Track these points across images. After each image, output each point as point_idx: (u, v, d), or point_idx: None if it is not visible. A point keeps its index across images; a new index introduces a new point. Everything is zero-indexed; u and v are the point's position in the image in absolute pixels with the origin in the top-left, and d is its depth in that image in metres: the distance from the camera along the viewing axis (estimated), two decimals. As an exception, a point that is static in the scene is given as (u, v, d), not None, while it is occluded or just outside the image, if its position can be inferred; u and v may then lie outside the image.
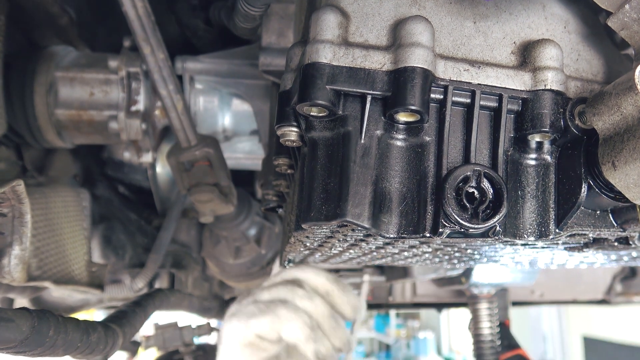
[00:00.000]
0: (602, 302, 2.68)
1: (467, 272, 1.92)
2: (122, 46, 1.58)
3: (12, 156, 1.55)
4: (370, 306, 2.77)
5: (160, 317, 1.92)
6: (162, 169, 1.92)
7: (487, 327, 2.04)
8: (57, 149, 1.72)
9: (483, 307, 2.04)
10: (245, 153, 1.81)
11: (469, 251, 1.03)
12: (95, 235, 1.85)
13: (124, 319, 1.15)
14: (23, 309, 0.79)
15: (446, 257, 1.13)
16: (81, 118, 1.54)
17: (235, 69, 1.63)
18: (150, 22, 1.19)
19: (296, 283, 1.17)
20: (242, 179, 2.06)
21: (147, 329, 1.84)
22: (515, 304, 2.54)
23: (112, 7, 1.60)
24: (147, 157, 1.72)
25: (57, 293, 1.71)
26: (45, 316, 0.82)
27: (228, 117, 1.74)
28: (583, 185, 0.68)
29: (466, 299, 2.12)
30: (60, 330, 0.83)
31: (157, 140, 1.74)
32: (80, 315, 1.95)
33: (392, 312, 9.63)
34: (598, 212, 0.72)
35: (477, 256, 1.13)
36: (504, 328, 2.22)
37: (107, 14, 1.80)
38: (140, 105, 1.55)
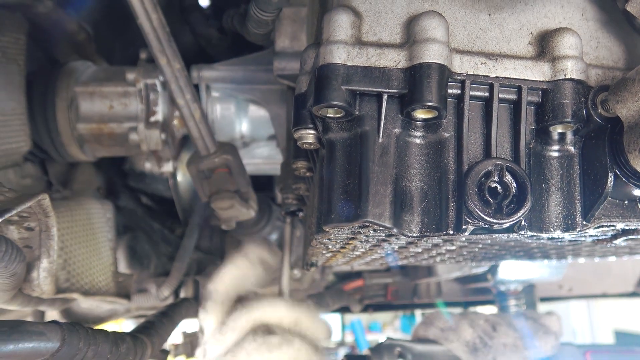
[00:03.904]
0: (633, 294, 2.61)
1: (493, 269, 1.89)
2: (139, 58, 1.61)
3: (38, 172, 1.58)
4: (396, 307, 2.75)
5: (188, 325, 1.94)
6: (182, 178, 1.94)
7: (515, 324, 2.00)
8: (80, 162, 1.75)
9: (511, 304, 2.01)
10: (264, 158, 1.82)
11: (495, 248, 1.01)
12: (120, 246, 1.87)
13: (152, 329, 1.17)
14: (53, 322, 0.81)
15: (471, 254, 1.12)
16: (102, 131, 1.56)
17: (250, 75, 1.64)
18: (165, 33, 1.20)
19: (261, 330, 1.05)
20: (262, 184, 2.07)
21: (175, 337, 1.86)
22: (543, 299, 2.49)
23: (128, 21, 1.62)
24: (167, 167, 1.74)
25: (85, 304, 1.74)
26: (75, 329, 0.83)
27: (245, 123, 1.75)
28: (609, 175, 0.66)
29: (493, 297, 2.09)
30: (90, 342, 0.84)
31: (176, 150, 1.75)
32: (109, 325, 1.98)
33: (418, 313, 9.56)
34: (626, 202, 0.70)
35: (502, 252, 1.11)
36: (533, 324, 2.18)
37: (123, 28, 1.83)
38: (159, 116, 1.57)
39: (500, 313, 1.82)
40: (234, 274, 1.15)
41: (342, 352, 9.19)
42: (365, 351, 1.47)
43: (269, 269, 1.21)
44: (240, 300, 1.19)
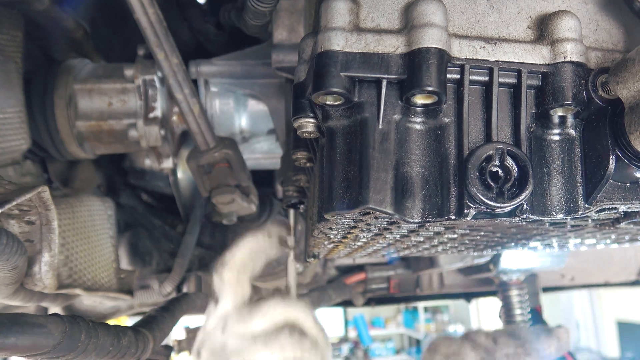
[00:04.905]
0: (636, 283, 2.61)
1: (495, 259, 1.89)
2: (137, 55, 1.60)
3: (38, 170, 1.58)
4: (399, 299, 2.76)
5: (191, 321, 1.94)
6: (183, 174, 1.94)
7: (518, 315, 2.00)
8: (80, 160, 1.75)
9: (513, 294, 2.01)
10: (264, 153, 1.82)
11: (496, 235, 1.01)
12: (122, 243, 1.87)
13: (153, 323, 1.17)
14: (55, 315, 0.81)
15: (473, 242, 1.12)
16: (101, 128, 1.56)
17: (249, 69, 1.63)
18: (162, 28, 1.20)
19: (296, 330, 1.06)
20: (262, 178, 2.07)
21: (178, 333, 1.86)
22: (545, 289, 2.49)
23: (125, 19, 1.62)
24: (167, 163, 1.73)
25: (88, 301, 1.74)
26: (77, 321, 0.83)
27: (244, 117, 1.74)
28: (611, 157, 0.66)
29: (495, 287, 2.09)
30: (92, 335, 0.84)
31: (176, 146, 1.75)
32: (112, 322, 1.98)
33: (421, 307, 9.56)
34: (628, 184, 0.70)
35: (504, 240, 1.11)
36: (535, 314, 2.18)
37: (120, 25, 1.82)
38: (157, 112, 1.56)
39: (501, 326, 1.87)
40: (252, 245, 1.18)
41: (346, 347, 9.20)
42: None
43: (285, 247, 1.25)
44: (279, 292, 1.22)
